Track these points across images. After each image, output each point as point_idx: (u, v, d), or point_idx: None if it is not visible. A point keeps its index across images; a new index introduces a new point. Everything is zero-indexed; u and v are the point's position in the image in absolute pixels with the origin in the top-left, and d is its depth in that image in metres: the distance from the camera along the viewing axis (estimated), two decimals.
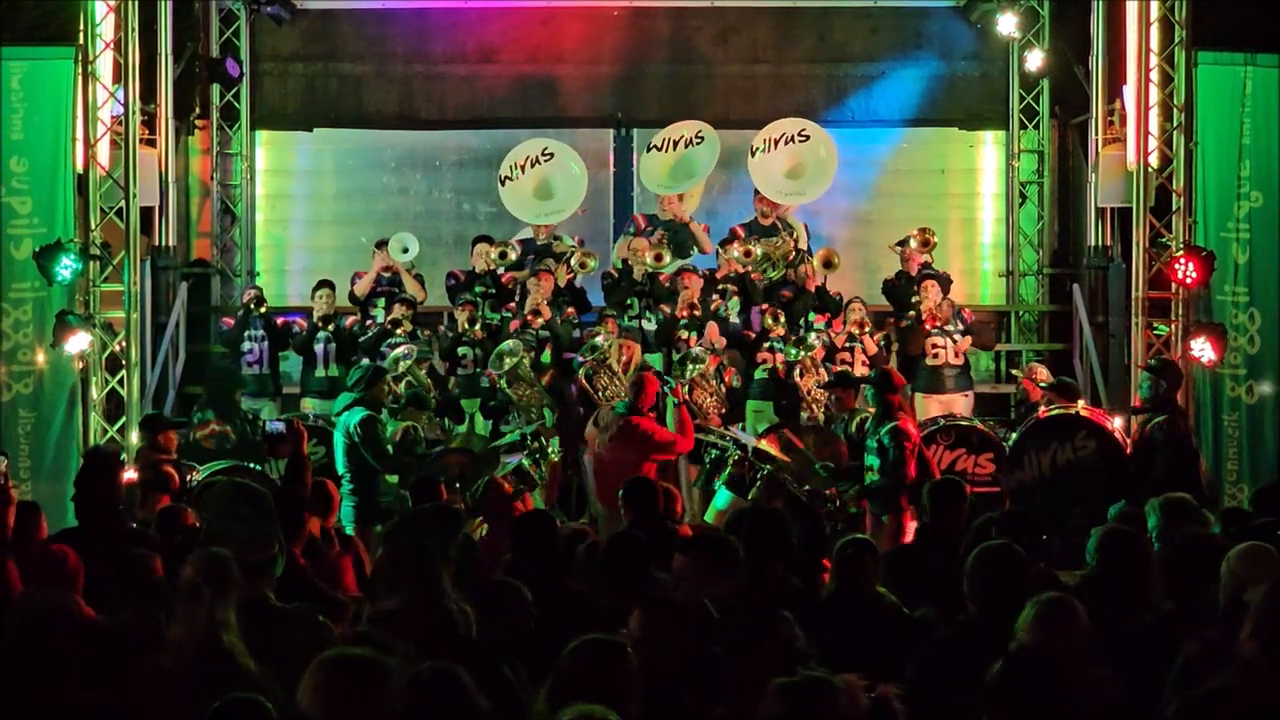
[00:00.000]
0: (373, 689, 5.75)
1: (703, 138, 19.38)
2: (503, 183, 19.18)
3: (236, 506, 7.40)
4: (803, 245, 18.89)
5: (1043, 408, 15.64)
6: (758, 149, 19.23)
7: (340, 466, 14.42)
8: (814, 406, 16.71)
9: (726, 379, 16.98)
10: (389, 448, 14.52)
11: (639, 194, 20.74)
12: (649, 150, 19.45)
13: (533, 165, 19.07)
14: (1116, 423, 15.91)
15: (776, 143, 19.22)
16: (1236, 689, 6.21)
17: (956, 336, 17.72)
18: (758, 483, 14.57)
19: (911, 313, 17.94)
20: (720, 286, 18.31)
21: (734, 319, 17.95)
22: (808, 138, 19.27)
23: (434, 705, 5.75)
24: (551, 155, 19.23)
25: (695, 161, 19.35)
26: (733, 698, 6.48)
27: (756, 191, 19.20)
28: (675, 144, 19.37)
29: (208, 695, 5.86)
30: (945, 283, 18.37)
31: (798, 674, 6.04)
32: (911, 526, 14.37)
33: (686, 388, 15.96)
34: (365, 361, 16.08)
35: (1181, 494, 10.20)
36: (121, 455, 14.63)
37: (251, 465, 15.34)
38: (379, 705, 5.72)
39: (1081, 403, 15.34)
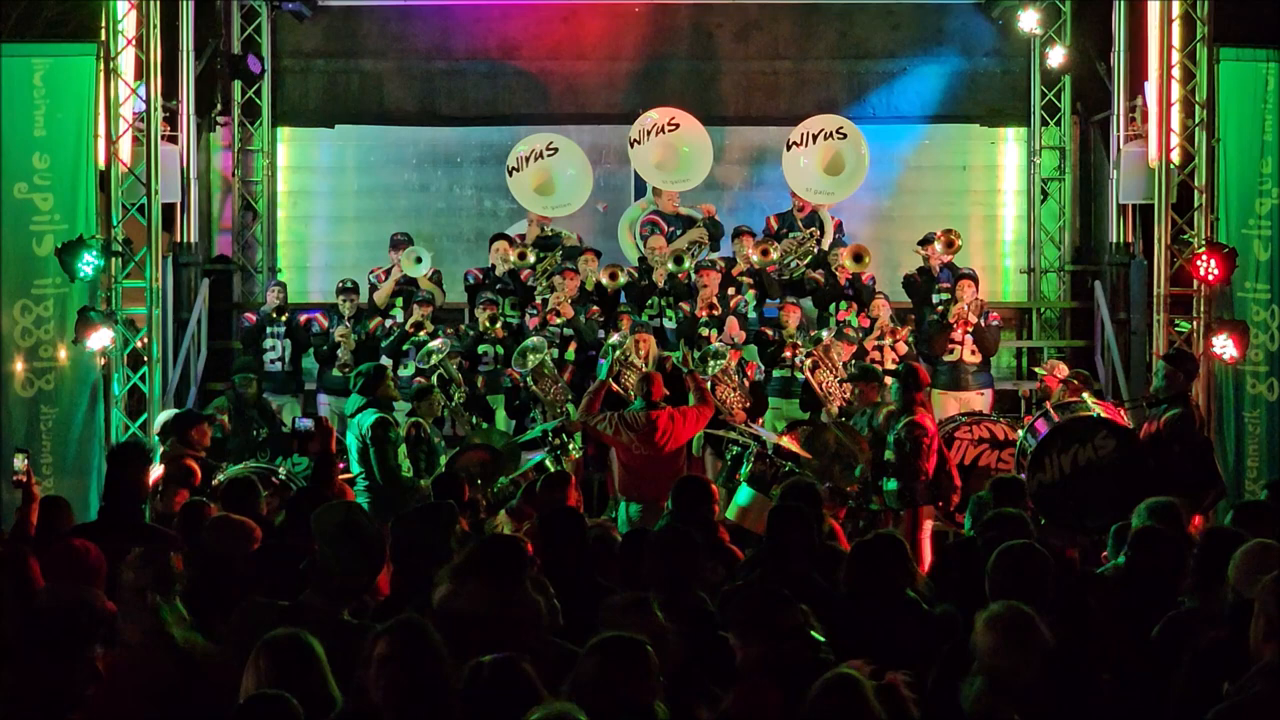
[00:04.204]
0: (305, 668, 5.87)
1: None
2: (510, 174, 19.33)
3: (340, 536, 7.43)
4: (825, 244, 18.89)
5: (1048, 403, 15.59)
6: (794, 144, 19.23)
7: (355, 466, 14.55)
8: (828, 400, 16.71)
9: (749, 373, 17.00)
10: (400, 451, 14.61)
11: None
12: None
13: (536, 159, 19.21)
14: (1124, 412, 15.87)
15: (815, 138, 19.23)
16: (1261, 697, 6.16)
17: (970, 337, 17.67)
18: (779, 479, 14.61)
19: (940, 308, 17.91)
20: (740, 279, 18.35)
21: (750, 314, 18.00)
22: (845, 135, 19.27)
23: (498, 696, 5.80)
24: (555, 150, 19.35)
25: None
26: (739, 683, 6.51)
27: None
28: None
29: (162, 691, 5.99)
30: (975, 281, 18.34)
31: (831, 671, 6.08)
32: (929, 524, 14.39)
33: (710, 384, 15.98)
34: (365, 365, 16.08)
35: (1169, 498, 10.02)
36: (148, 450, 14.62)
37: (274, 465, 15.44)
38: (311, 683, 5.87)
39: (1089, 397, 15.23)
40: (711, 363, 16.38)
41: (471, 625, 6.59)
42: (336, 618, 7.17)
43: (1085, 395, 15.27)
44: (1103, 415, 14.84)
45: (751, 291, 18.24)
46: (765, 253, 18.21)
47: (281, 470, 15.30)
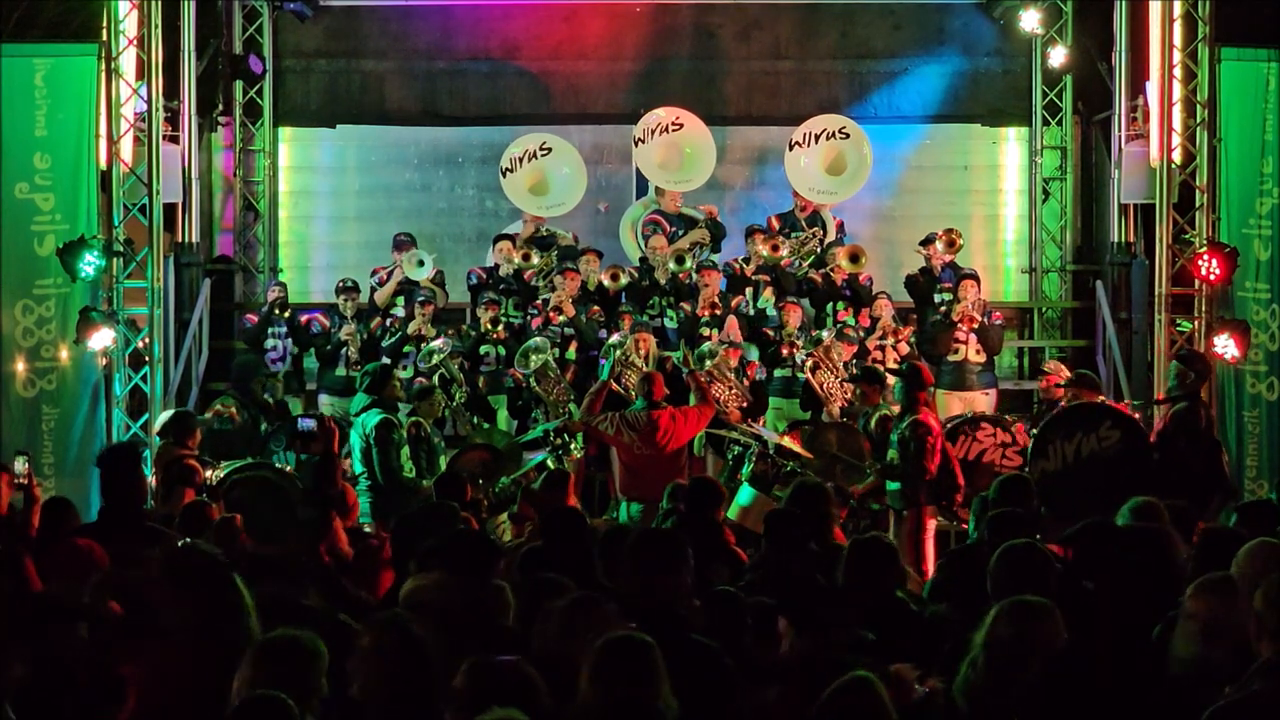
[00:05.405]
0: (302, 669, 5.89)
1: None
2: (504, 175, 19.34)
3: (256, 500, 7.45)
4: (829, 240, 18.90)
5: (1062, 403, 15.60)
6: (796, 144, 19.25)
7: (358, 465, 14.57)
8: (829, 401, 16.71)
9: (750, 373, 16.99)
10: (403, 452, 14.63)
11: None
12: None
13: (530, 159, 19.23)
14: (1136, 415, 15.88)
15: (817, 138, 19.25)
16: (1261, 696, 6.16)
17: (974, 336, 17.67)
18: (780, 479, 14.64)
19: (943, 308, 17.89)
20: (755, 278, 18.37)
21: (771, 310, 18.00)
22: (848, 135, 19.30)
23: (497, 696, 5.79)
24: (549, 150, 19.35)
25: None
26: (788, 674, 6.52)
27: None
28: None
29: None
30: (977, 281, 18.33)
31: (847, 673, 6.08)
32: (932, 524, 14.38)
33: (706, 380, 16.00)
34: (371, 364, 16.06)
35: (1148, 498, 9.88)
36: (142, 451, 14.62)
37: (276, 463, 15.44)
38: (310, 684, 5.88)
39: (1101, 397, 15.29)
40: (706, 362, 16.37)
41: (436, 618, 6.58)
42: (296, 602, 7.15)
43: (1100, 398, 15.29)
44: (1108, 404, 14.87)
45: (769, 290, 18.25)
46: (775, 248, 18.22)
47: (284, 466, 15.32)
